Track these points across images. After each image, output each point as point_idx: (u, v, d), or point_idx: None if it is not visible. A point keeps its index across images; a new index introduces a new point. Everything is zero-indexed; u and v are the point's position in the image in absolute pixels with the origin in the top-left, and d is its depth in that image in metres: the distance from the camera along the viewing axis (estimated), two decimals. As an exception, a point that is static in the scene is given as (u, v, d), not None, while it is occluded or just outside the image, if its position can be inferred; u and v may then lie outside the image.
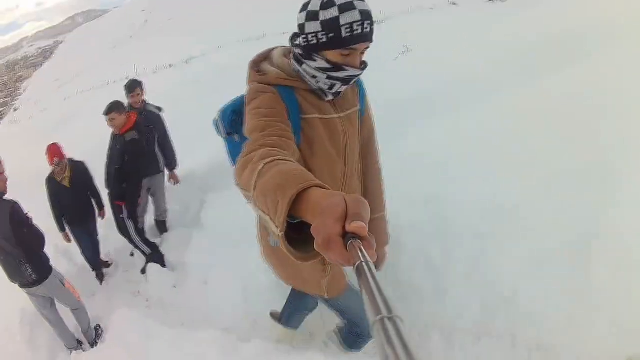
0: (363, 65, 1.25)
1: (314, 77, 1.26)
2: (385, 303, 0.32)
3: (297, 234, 0.64)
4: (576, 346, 1.96)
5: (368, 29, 1.17)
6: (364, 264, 0.40)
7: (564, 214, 2.29)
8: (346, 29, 1.15)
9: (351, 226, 0.49)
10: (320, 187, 0.63)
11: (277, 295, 2.63)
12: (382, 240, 1.76)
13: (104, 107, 3.61)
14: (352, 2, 1.14)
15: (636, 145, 2.43)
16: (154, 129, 3.94)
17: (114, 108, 3.55)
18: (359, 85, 1.51)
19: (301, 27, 1.21)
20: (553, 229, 2.26)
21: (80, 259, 4.05)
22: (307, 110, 1.29)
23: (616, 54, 3.53)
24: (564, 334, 2.01)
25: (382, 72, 4.91)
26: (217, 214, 3.74)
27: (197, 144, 4.76)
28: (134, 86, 4.11)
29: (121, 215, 3.67)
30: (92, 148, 4.74)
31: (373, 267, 0.39)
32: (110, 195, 3.75)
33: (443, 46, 5.76)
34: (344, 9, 1.14)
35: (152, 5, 35.31)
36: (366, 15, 1.16)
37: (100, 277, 4.06)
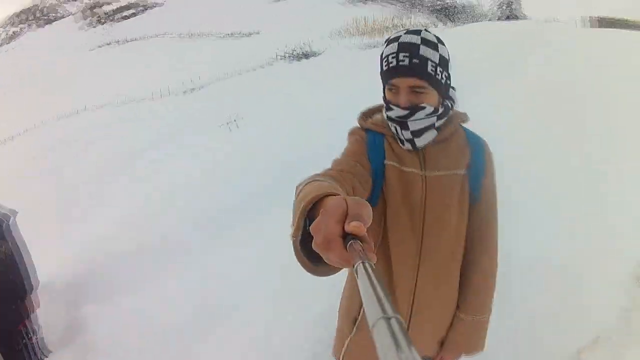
0: (409, 106, 1.09)
1: (389, 125, 1.19)
2: (386, 303, 0.32)
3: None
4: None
5: (405, 62, 1.06)
6: (363, 264, 0.40)
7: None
8: (384, 62, 1.10)
9: (349, 226, 0.48)
10: (329, 195, 0.63)
11: None
12: (460, 346, 1.34)
13: None
14: (400, 35, 1.09)
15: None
16: None
17: None
18: (478, 153, 1.22)
19: None
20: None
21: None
22: (389, 157, 1.18)
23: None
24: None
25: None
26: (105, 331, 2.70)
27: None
28: None
29: None
30: None
31: (373, 268, 0.39)
32: None
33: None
34: (388, 42, 1.10)
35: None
36: (403, 47, 1.06)
37: None
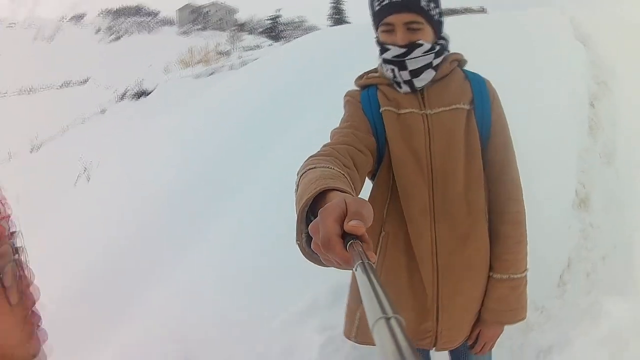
0: (407, 43, 1.06)
1: (385, 69, 1.14)
2: (386, 303, 0.32)
3: None
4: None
5: None
6: (363, 264, 0.39)
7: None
8: (376, 2, 1.07)
9: (348, 225, 0.47)
10: (337, 189, 0.62)
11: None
12: (498, 315, 1.19)
13: None
14: None
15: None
16: None
17: None
18: (481, 87, 1.17)
19: None
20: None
21: None
22: (384, 104, 1.13)
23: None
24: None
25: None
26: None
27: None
28: None
29: None
30: None
31: (373, 268, 0.38)
32: None
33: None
34: None
35: None
36: None
37: None
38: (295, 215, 0.63)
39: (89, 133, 7.79)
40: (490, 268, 1.19)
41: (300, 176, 0.77)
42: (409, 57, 1.06)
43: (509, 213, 1.17)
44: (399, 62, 1.08)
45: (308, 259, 0.61)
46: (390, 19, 1.06)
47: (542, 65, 4.31)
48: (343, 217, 0.49)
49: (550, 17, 5.97)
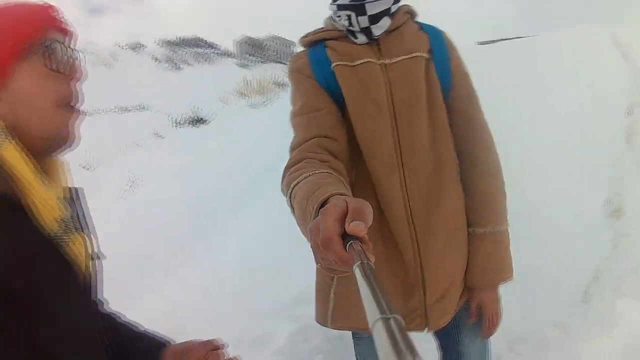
0: None
1: (338, 17, 1.05)
2: (385, 303, 0.32)
3: None
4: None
5: None
6: (362, 265, 0.39)
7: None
8: None
9: (349, 227, 0.47)
10: (335, 195, 0.61)
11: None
12: (488, 274, 1.12)
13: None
14: None
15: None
16: None
17: None
18: (437, 37, 1.10)
19: None
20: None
21: None
22: (335, 59, 1.04)
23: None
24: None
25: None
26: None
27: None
28: None
29: None
30: None
31: (372, 268, 0.38)
32: None
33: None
34: None
35: None
36: None
37: None
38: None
39: (143, 155, 8.14)
40: (470, 224, 1.12)
41: (291, 196, 0.77)
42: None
43: (483, 163, 1.11)
44: (357, 6, 1.00)
45: (329, 272, 0.59)
46: None
47: (580, 77, 4.35)
48: (344, 218, 0.49)
49: (592, 33, 6.05)
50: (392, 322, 0.30)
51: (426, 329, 1.10)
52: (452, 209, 1.09)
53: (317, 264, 0.56)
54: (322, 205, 0.61)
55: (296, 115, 1.04)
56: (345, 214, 0.50)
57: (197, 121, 10.17)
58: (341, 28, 1.07)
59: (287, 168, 0.91)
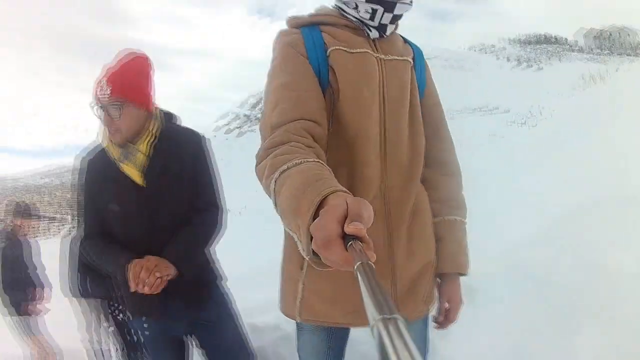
0: None
1: (355, 7, 1.06)
2: (386, 304, 0.32)
3: None
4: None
5: None
6: (363, 265, 0.39)
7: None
8: None
9: (349, 227, 0.48)
10: (338, 192, 0.61)
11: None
12: (456, 261, 1.18)
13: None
14: None
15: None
16: None
17: None
18: (416, 51, 1.20)
19: None
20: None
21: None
22: (332, 44, 1.06)
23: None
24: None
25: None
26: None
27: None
28: None
29: None
30: None
31: (373, 268, 0.39)
32: None
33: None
34: None
35: None
36: None
37: None
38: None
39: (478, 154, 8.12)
40: (438, 214, 1.19)
41: (276, 181, 0.75)
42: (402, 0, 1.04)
43: (449, 165, 1.23)
44: (389, 4, 1.03)
45: (320, 267, 0.60)
46: None
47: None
48: (344, 218, 0.50)
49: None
50: (392, 322, 0.30)
51: None
52: (421, 196, 1.15)
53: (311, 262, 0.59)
54: (321, 203, 0.60)
55: (281, 88, 1.00)
56: (346, 214, 0.50)
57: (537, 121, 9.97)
58: (352, 17, 1.09)
59: (268, 148, 0.87)
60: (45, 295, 3.31)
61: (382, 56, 1.09)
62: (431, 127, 1.19)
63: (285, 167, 0.75)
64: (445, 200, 1.20)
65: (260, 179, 0.83)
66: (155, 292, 1.36)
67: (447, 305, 1.19)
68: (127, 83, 1.41)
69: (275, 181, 0.75)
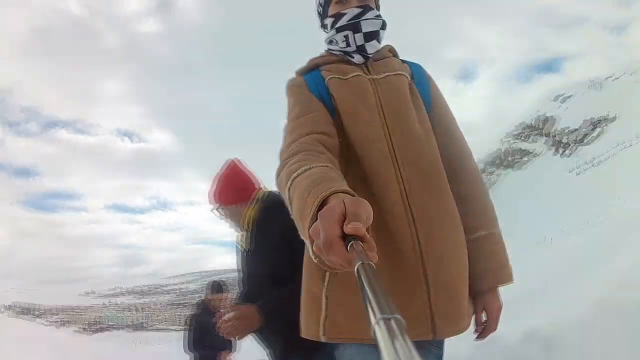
0: (362, 4, 1.18)
1: (331, 41, 1.24)
2: (386, 304, 0.32)
3: None
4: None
5: None
6: (364, 264, 0.39)
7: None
8: None
9: (348, 227, 0.48)
10: (338, 192, 0.62)
11: None
12: (496, 276, 1.15)
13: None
14: None
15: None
16: None
17: None
18: (417, 69, 1.27)
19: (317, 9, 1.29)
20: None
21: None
22: (328, 75, 1.19)
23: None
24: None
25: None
26: None
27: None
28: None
29: None
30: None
31: (373, 268, 0.39)
32: None
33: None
34: None
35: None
36: None
37: None
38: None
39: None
40: (467, 231, 1.12)
41: (290, 188, 0.79)
42: (364, 17, 1.17)
43: (468, 171, 1.20)
44: (354, 25, 1.17)
45: (326, 267, 0.60)
46: None
47: None
48: (343, 219, 0.50)
49: None
50: (392, 322, 0.30)
51: (432, 336, 1.00)
52: (448, 196, 1.10)
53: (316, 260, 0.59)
54: (323, 203, 0.61)
55: (292, 120, 1.12)
56: (344, 214, 0.50)
57: None
58: (337, 52, 1.24)
59: (284, 159, 0.94)
60: (230, 357, 4.00)
61: (375, 76, 1.18)
62: (444, 133, 1.20)
63: (295, 174, 0.80)
64: (469, 213, 1.14)
65: (282, 191, 0.87)
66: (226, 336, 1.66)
67: (484, 316, 1.15)
68: (223, 193, 1.86)
69: (289, 189, 0.79)
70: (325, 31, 1.28)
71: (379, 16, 1.19)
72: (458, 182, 1.15)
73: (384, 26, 1.21)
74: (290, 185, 0.79)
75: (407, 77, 1.20)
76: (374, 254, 0.44)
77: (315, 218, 0.59)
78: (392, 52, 1.30)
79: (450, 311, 1.02)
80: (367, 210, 0.51)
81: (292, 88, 1.22)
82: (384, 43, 1.26)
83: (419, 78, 1.24)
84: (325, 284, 1.03)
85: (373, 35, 1.18)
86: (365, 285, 0.35)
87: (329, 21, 1.23)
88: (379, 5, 1.26)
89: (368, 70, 1.20)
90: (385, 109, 1.12)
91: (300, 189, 0.73)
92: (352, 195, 0.61)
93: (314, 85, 1.18)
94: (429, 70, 1.31)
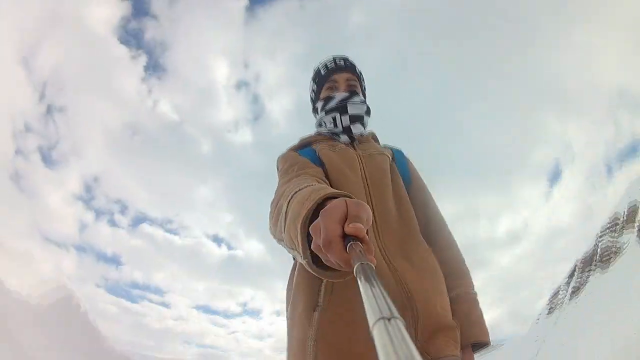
0: (350, 90, 1.40)
1: (320, 124, 1.43)
2: (385, 305, 0.32)
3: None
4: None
5: (342, 63, 1.43)
6: (363, 265, 0.38)
7: None
8: (323, 68, 1.45)
9: (349, 228, 0.48)
10: (333, 197, 0.63)
11: None
12: (472, 331, 1.19)
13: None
14: (330, 56, 1.45)
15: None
16: None
17: None
18: (395, 151, 1.47)
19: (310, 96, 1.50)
20: None
21: None
22: (319, 147, 1.36)
23: None
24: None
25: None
26: None
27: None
28: None
29: None
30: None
31: (373, 269, 0.38)
32: None
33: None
34: (322, 61, 1.47)
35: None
36: (338, 57, 1.45)
37: None
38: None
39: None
40: (450, 291, 1.23)
41: (287, 204, 0.79)
42: (350, 100, 1.36)
43: (443, 237, 1.36)
44: (341, 107, 1.36)
45: (317, 274, 0.61)
46: (336, 76, 1.42)
47: None
48: (344, 219, 0.50)
49: None
50: (392, 322, 0.30)
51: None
52: (426, 255, 1.22)
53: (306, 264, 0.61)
54: (323, 204, 0.62)
55: (285, 172, 1.23)
56: (345, 215, 0.51)
57: None
58: (326, 133, 1.42)
59: (277, 199, 1.01)
60: None
61: (361, 152, 1.35)
62: (421, 205, 1.37)
63: (293, 192, 0.82)
64: (449, 275, 1.25)
65: (279, 213, 0.86)
66: None
67: None
68: None
69: (288, 204, 0.79)
70: (315, 115, 1.48)
71: (364, 102, 1.40)
72: (437, 248, 1.30)
73: (368, 112, 1.41)
74: (287, 205, 0.78)
75: (389, 158, 1.39)
76: (372, 257, 0.44)
77: (314, 216, 0.59)
78: (374, 138, 1.51)
79: (440, 335, 1.09)
80: (367, 213, 0.52)
81: (286, 155, 1.35)
82: (368, 130, 1.46)
83: (398, 158, 1.45)
84: (313, 329, 1.06)
85: (358, 118, 1.38)
86: (365, 286, 0.35)
87: (319, 104, 1.43)
88: (365, 94, 1.49)
89: (354, 147, 1.38)
90: (370, 180, 1.27)
91: (298, 198, 0.73)
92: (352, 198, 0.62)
93: (306, 153, 1.34)
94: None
